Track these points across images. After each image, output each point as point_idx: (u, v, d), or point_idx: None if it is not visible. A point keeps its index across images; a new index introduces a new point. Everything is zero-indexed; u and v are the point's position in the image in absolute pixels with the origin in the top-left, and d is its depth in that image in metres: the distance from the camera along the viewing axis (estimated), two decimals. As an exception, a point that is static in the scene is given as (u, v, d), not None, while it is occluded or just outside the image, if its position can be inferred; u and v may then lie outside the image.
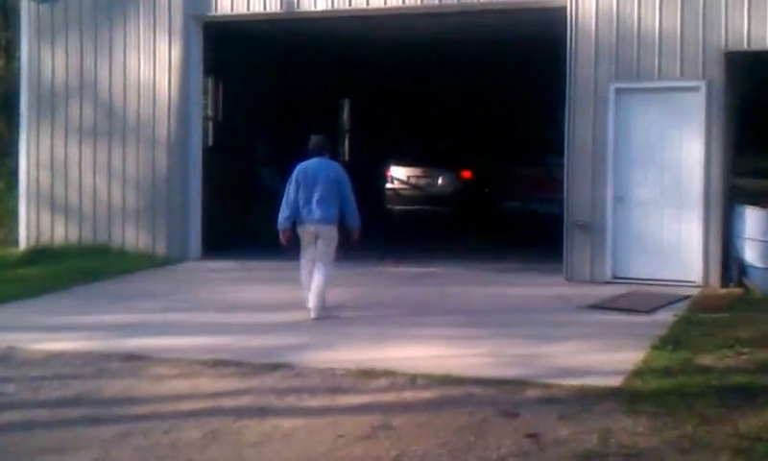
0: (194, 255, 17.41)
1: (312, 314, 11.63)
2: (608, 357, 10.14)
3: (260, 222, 16.98)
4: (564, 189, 15.29)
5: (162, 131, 17.34)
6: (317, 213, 11.60)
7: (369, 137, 27.80)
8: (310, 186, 11.60)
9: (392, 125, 27.69)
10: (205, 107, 20.79)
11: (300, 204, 11.63)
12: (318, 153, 11.92)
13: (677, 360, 9.73)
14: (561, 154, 15.48)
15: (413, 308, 13.09)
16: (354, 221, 11.81)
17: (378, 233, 17.31)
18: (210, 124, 21.85)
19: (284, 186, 12.00)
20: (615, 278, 14.88)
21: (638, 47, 14.82)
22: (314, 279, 11.69)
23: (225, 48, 19.06)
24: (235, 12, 16.86)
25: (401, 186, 23.00)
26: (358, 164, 27.58)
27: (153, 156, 17.40)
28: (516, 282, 15.30)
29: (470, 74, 25.56)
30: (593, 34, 15.06)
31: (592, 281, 14.79)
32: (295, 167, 12.02)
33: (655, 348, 10.34)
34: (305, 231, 11.79)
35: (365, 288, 14.50)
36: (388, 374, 9.18)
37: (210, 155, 18.80)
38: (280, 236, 11.92)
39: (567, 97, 15.23)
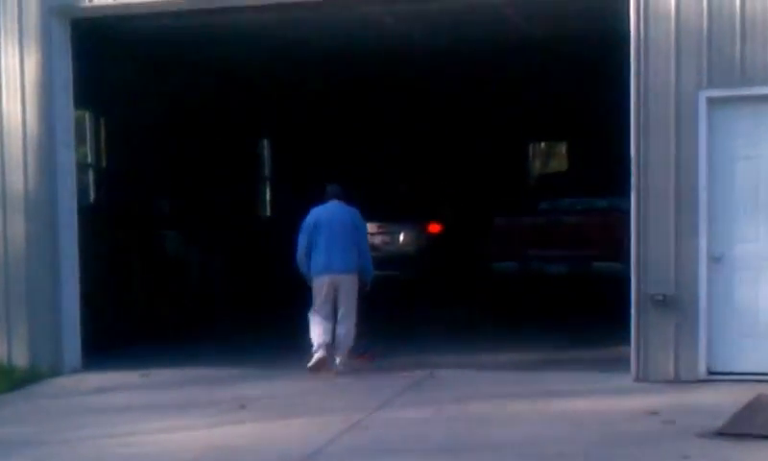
0: (71, 366, 11.89)
1: (339, 367, 11.01)
2: None
3: (166, 306, 14.07)
4: (632, 246, 10.41)
5: (16, 184, 11.83)
6: (337, 263, 10.95)
7: (300, 184, 22.53)
8: (326, 232, 11.02)
9: (332, 167, 22.47)
10: (82, 150, 15.21)
11: (317, 252, 11.02)
12: (334, 197, 11.35)
13: None
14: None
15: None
16: (369, 273, 11.29)
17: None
18: (90, 174, 16.34)
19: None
20: (712, 373, 10.40)
21: (743, 37, 10.08)
22: (338, 331, 10.99)
23: (107, 66, 14.81)
24: (119, 0, 11.36)
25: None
26: (286, 219, 22.60)
27: (2, 221, 11.68)
28: (569, 390, 10.22)
29: (458, 89, 20.13)
30: (673, 22, 10.24)
31: (678, 380, 10.33)
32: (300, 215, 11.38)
33: None
34: (323, 283, 11.00)
35: (338, 417, 9.12)
36: None
37: (90, 217, 13.58)
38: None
39: (633, 114, 10.36)
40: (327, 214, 11.09)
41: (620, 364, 10.58)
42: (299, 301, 11.50)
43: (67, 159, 12.12)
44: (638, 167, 10.19)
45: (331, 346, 10.96)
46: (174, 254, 15.18)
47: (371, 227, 17.80)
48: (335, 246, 10.91)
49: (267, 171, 23.94)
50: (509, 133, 22.39)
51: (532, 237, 15.53)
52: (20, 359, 11.75)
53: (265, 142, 23.62)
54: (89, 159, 16.72)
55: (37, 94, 11.84)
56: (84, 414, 9.61)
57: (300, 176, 23.23)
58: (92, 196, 16.39)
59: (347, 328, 10.93)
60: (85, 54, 12.45)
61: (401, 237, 17.98)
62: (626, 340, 10.58)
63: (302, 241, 11.07)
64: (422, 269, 17.77)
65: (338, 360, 10.98)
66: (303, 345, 11.36)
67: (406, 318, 15.16)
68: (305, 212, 11.24)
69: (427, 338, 13.46)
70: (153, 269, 14.60)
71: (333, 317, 10.95)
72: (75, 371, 11.68)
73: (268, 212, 23.74)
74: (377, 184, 20.50)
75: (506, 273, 15.71)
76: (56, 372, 11.52)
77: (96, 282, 12.79)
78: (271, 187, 24.03)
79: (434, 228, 18.16)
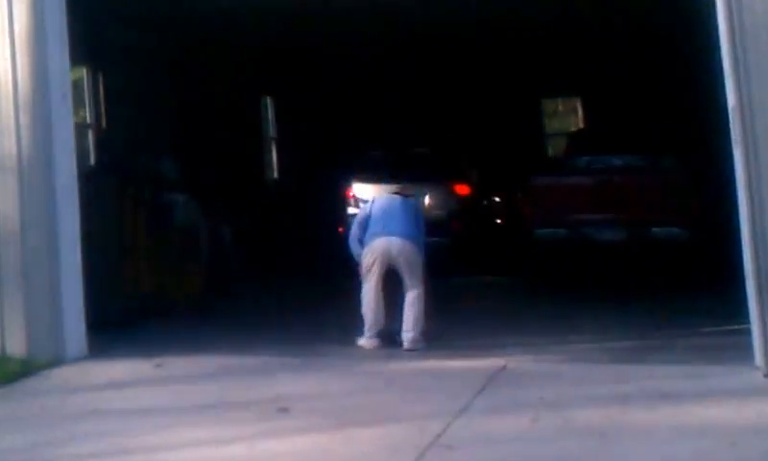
0: (74, 353, 10.28)
1: (407, 345, 10.05)
2: None
3: (177, 280, 12.79)
4: (743, 213, 8.64)
5: (6, 145, 10.21)
6: (396, 229, 10.22)
7: (310, 145, 21.24)
8: (386, 210, 10.42)
9: (347, 125, 21.16)
10: (80, 110, 13.70)
11: (373, 224, 10.33)
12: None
13: None
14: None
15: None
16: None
17: (348, 284, 11.17)
18: (90, 134, 14.70)
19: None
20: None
21: None
22: (407, 307, 10.12)
23: (105, 21, 14.12)
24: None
25: (369, 212, 16.06)
26: (295, 183, 21.23)
27: (-8, 188, 10.21)
28: (690, 391, 8.18)
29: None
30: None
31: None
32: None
33: None
34: (377, 251, 10.17)
35: (410, 427, 7.20)
36: None
37: (91, 182, 12.05)
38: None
39: (728, 55, 8.62)
40: (384, 200, 10.57)
41: (734, 353, 8.87)
42: (318, 270, 10.10)
43: (64, 119, 10.56)
44: (742, 118, 8.60)
45: (390, 327, 10.16)
46: (183, 221, 13.59)
47: (392, 189, 16.37)
48: (394, 218, 10.25)
49: (273, 131, 22.49)
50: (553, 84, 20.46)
51: (581, 200, 13.97)
52: (15, 347, 10.17)
53: (268, 100, 22.16)
54: (88, 119, 15.22)
55: (29, 44, 10.26)
56: (91, 417, 7.95)
57: (310, 137, 21.82)
58: (92, 159, 14.91)
59: (418, 302, 10.10)
60: (82, 7, 10.93)
61: (426, 200, 16.43)
62: (723, 321, 9.06)
63: (356, 227, 10.51)
64: (455, 235, 16.20)
65: (407, 342, 10.02)
66: (340, 323, 10.19)
67: (446, 292, 13.48)
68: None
69: (477, 317, 12.00)
70: (161, 237, 13.02)
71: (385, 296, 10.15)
72: (78, 359, 10.12)
73: (275, 175, 22.33)
74: (400, 143, 18.94)
75: (550, 240, 14.16)
76: (57, 361, 9.96)
77: (99, 255, 11.27)
78: (277, 149, 22.57)
79: (462, 189, 16.61)
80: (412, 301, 10.08)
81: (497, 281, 15.53)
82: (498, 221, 18.51)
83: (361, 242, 10.32)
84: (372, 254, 10.14)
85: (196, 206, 14.16)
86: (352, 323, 10.41)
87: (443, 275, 15.44)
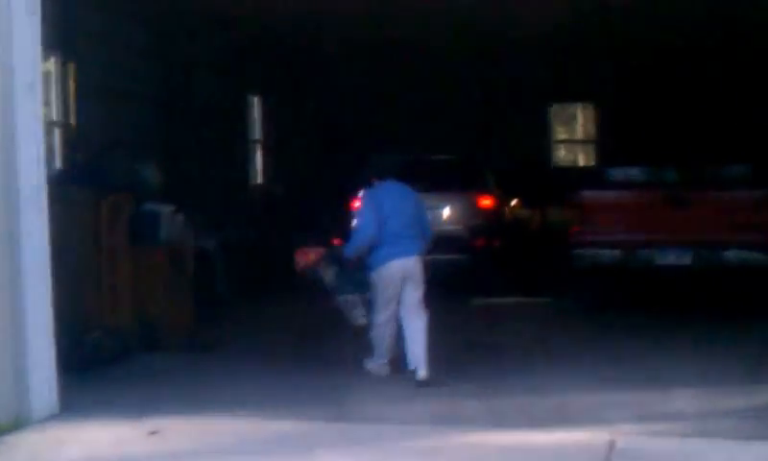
0: (43, 411, 8.06)
1: (422, 374, 8.88)
2: None
3: (164, 308, 10.75)
4: None
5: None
6: (412, 246, 9.30)
7: (306, 148, 19.51)
8: (399, 215, 9.33)
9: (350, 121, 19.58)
10: (47, 104, 12.31)
11: (388, 237, 9.20)
12: (390, 175, 9.80)
13: None
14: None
15: None
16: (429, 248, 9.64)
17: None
18: (57, 134, 12.86)
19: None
20: None
21: None
22: (415, 331, 9.09)
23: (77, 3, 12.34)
24: None
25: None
26: (288, 191, 19.31)
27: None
28: None
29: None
30: None
31: None
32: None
33: None
34: (395, 276, 9.19)
35: None
36: None
37: (60, 190, 9.81)
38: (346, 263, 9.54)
39: None
40: (390, 195, 9.48)
41: None
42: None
43: (31, 115, 8.39)
44: None
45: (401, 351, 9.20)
46: (170, 237, 11.46)
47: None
48: (407, 226, 9.35)
49: (258, 133, 20.54)
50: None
51: (639, 217, 11.98)
52: (-34, 402, 8.03)
53: (256, 100, 20.20)
54: (55, 117, 13.07)
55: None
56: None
57: (306, 140, 20.03)
58: (59, 161, 12.78)
59: (425, 324, 9.18)
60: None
61: (446, 212, 14.43)
62: None
63: (362, 222, 9.38)
64: (478, 253, 14.22)
65: (423, 371, 8.93)
66: (353, 351, 9.23)
67: (468, 315, 11.48)
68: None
69: (518, 349, 10.07)
70: (146, 257, 10.89)
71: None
72: (48, 419, 7.94)
73: (258, 180, 20.39)
74: (410, 147, 16.99)
75: (599, 262, 12.16)
76: (21, 423, 7.78)
77: (70, 281, 9.15)
78: (263, 152, 20.59)
79: (485, 201, 14.59)
80: (425, 324, 9.16)
81: (525, 304, 13.62)
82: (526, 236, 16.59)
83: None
84: (391, 279, 9.19)
85: (183, 219, 12.05)
86: (366, 349, 9.39)
87: (462, 295, 13.70)
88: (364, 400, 8.26)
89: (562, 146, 25.15)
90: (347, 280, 9.46)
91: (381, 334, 9.24)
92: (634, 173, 12.59)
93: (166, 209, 11.71)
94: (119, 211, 10.54)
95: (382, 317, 9.20)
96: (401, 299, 9.16)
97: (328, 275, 9.55)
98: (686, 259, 11.78)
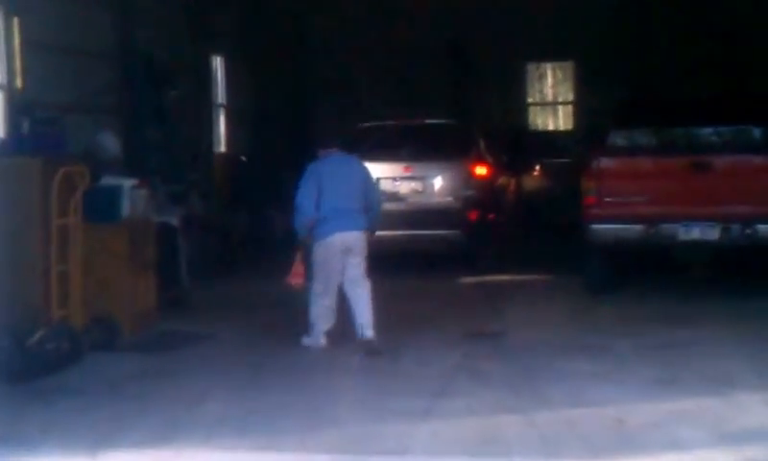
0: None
1: (369, 334, 9.05)
2: None
3: (125, 296, 9.49)
4: None
5: None
6: (351, 221, 9.29)
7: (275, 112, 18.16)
8: (332, 189, 9.27)
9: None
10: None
11: (322, 212, 9.22)
12: (335, 147, 9.69)
13: None
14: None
15: None
16: (377, 221, 9.71)
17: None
18: (0, 97, 11.75)
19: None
20: None
21: None
22: (358, 299, 9.16)
23: None
24: None
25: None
26: (255, 160, 17.96)
27: None
28: None
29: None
30: None
31: None
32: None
33: None
34: (332, 247, 9.20)
35: None
36: None
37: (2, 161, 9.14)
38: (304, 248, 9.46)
39: None
40: (332, 168, 9.44)
41: None
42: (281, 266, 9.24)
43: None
44: None
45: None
46: (132, 213, 9.98)
47: (392, 169, 13.09)
48: (346, 198, 9.33)
49: (222, 97, 19.06)
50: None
51: (664, 188, 10.66)
52: None
53: (219, 61, 18.72)
54: (-1, 78, 11.62)
55: None
56: None
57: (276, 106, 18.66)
58: (2, 130, 11.31)
59: (369, 293, 9.24)
60: None
61: (437, 183, 13.08)
62: None
63: (302, 197, 9.30)
64: (472, 231, 12.88)
65: (369, 332, 9.11)
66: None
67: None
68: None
69: (556, 352, 8.63)
70: (101, 240, 9.41)
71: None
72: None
73: (221, 147, 18.95)
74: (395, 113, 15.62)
75: (616, 238, 10.85)
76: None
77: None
78: (227, 118, 19.12)
79: (480, 169, 13.23)
80: (368, 291, 9.21)
81: (529, 284, 12.40)
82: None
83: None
84: (331, 253, 9.19)
85: (145, 194, 10.60)
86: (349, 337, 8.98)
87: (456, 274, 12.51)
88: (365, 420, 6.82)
89: (531, 109, 23.67)
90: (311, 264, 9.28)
91: (318, 306, 9.19)
92: (647, 136, 11.26)
93: (127, 182, 10.26)
94: (72, 185, 9.00)
95: (320, 288, 9.17)
96: (344, 273, 9.17)
97: None
98: (713, 235, 10.51)
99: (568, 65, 23.11)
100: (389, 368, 8.29)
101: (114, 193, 9.84)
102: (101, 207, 9.51)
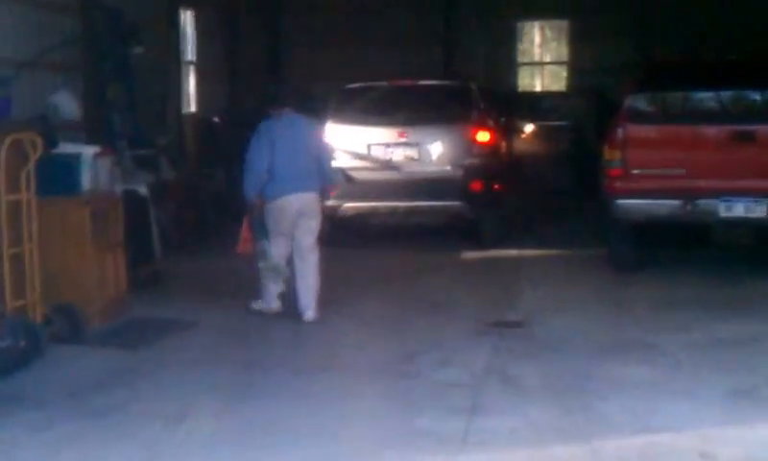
0: None
1: (311, 315, 8.82)
2: None
3: (90, 281, 8.31)
4: None
5: None
6: (304, 182, 8.98)
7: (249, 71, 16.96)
8: (285, 149, 8.94)
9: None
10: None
11: (275, 172, 8.91)
12: (288, 106, 9.25)
13: None
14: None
15: None
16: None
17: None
18: None
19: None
20: None
21: None
22: (303, 275, 8.93)
23: None
24: None
25: (355, 166, 12.05)
26: (229, 123, 16.65)
27: None
28: None
29: None
30: None
31: None
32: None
33: None
34: (285, 209, 8.92)
35: None
36: None
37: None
38: (252, 210, 9.02)
39: None
40: (281, 128, 9.07)
41: None
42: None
43: None
44: None
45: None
46: (95, 185, 8.64)
47: (387, 134, 11.84)
48: (295, 164, 8.98)
49: (192, 54, 17.68)
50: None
51: (702, 159, 9.45)
52: None
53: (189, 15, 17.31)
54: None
55: None
56: None
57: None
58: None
59: (316, 270, 9.04)
60: None
61: (435, 150, 11.82)
62: None
63: (252, 160, 8.98)
64: (476, 203, 11.66)
65: (311, 313, 8.88)
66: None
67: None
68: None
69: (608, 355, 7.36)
70: (59, 216, 8.08)
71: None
72: None
73: (191, 108, 17.59)
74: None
75: (646, 215, 9.65)
76: None
77: None
78: (198, 76, 17.73)
79: (483, 134, 11.95)
80: (314, 266, 9.01)
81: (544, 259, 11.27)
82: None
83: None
84: (284, 214, 8.92)
85: (110, 161, 9.26)
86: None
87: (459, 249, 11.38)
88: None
89: (521, 69, 22.56)
90: (259, 226, 8.87)
91: (269, 266, 8.99)
92: (682, 101, 10.00)
93: (88, 150, 8.90)
94: (24, 155, 7.63)
95: (270, 247, 8.94)
96: (294, 238, 8.93)
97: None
98: (760, 211, 9.36)
99: (563, 24, 22.04)
100: (406, 372, 7.00)
101: (73, 163, 8.49)
102: (58, 179, 8.20)
